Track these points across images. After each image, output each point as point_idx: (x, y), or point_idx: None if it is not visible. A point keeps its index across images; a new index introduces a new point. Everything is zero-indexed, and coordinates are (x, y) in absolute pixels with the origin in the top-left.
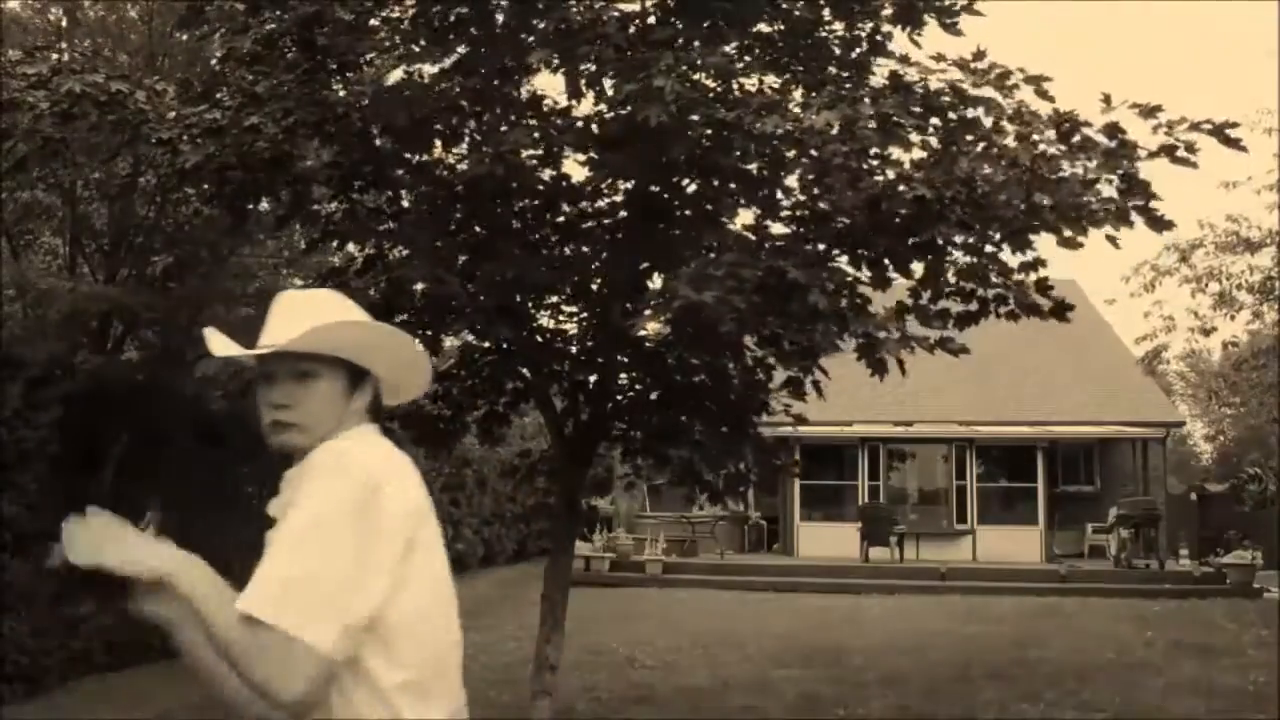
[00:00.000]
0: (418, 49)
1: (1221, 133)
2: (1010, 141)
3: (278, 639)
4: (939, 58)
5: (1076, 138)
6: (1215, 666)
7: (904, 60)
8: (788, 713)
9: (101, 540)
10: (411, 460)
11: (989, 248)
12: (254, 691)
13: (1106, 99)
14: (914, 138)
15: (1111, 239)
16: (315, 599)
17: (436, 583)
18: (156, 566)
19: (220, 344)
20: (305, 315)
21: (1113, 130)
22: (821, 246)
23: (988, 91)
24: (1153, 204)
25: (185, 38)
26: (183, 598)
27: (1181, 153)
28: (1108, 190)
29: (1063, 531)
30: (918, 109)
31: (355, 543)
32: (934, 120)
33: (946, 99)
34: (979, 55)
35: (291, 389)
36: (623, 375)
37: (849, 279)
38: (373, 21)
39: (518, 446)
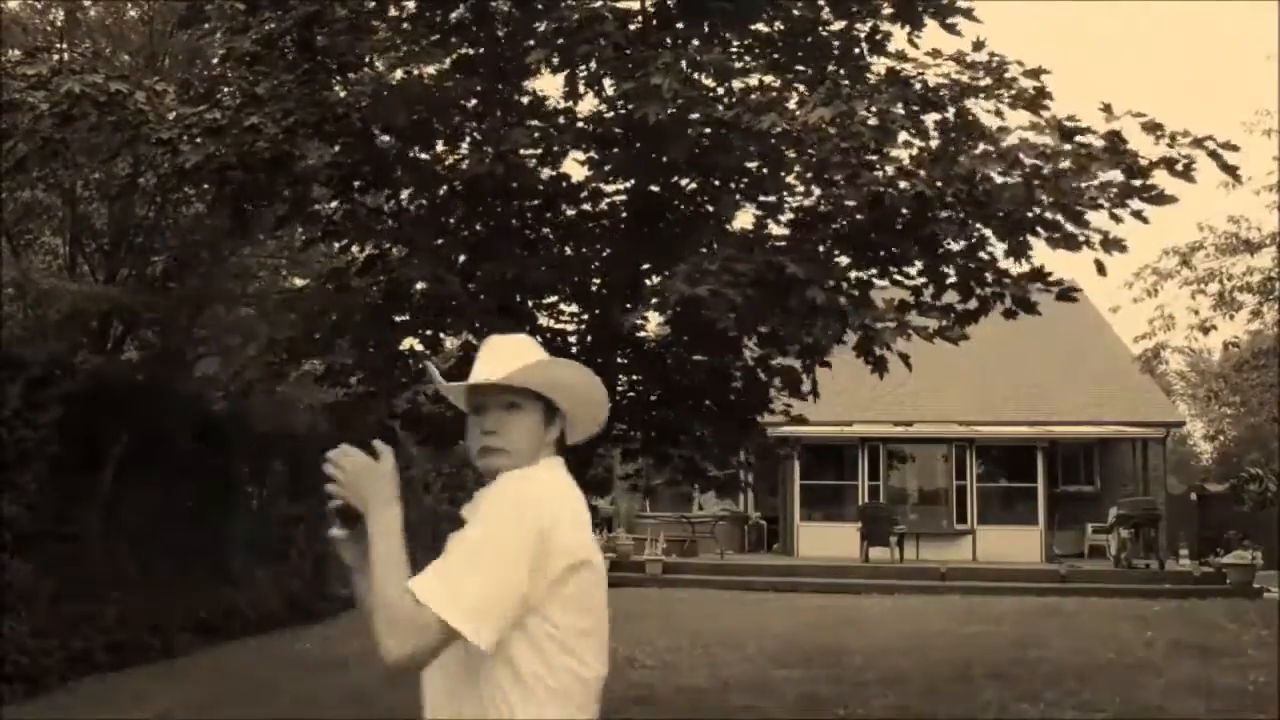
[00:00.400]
0: (418, 49)
1: (1219, 156)
2: (1012, 141)
3: (432, 622)
4: (935, 53)
5: (1079, 138)
6: (1215, 666)
7: (901, 56)
8: (788, 713)
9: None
10: (583, 498)
11: (986, 250)
12: (374, 636)
13: (1107, 108)
14: (911, 134)
15: (1120, 245)
16: (476, 601)
17: (588, 614)
18: (367, 499)
19: (441, 378)
20: (512, 356)
21: (1114, 141)
22: (821, 248)
23: (985, 83)
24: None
25: (185, 37)
26: (368, 535)
27: (1180, 168)
28: (1112, 184)
29: (1063, 531)
30: (915, 105)
31: (519, 565)
32: (932, 115)
33: (945, 93)
34: (978, 46)
35: (500, 419)
36: (623, 375)
37: (850, 276)
38: (373, 21)
39: None
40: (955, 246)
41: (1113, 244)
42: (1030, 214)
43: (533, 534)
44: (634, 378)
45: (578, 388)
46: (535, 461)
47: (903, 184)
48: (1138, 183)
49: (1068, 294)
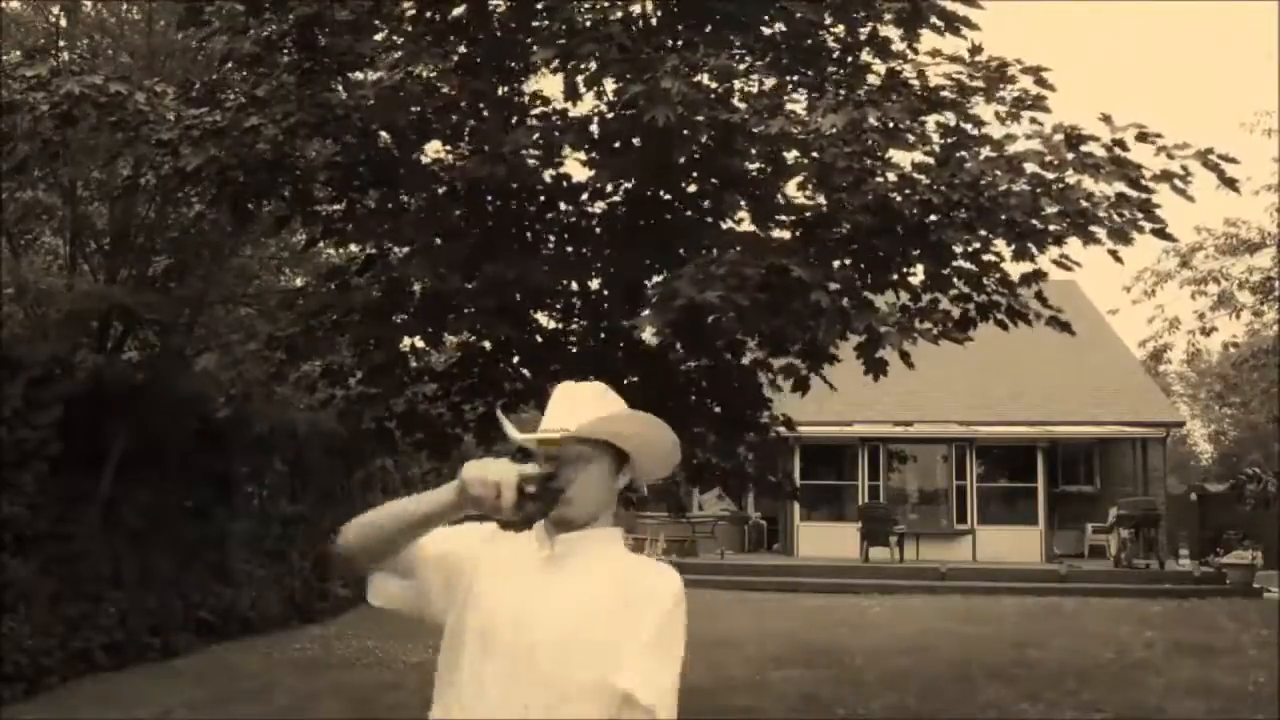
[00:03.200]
0: (418, 49)
1: (1218, 168)
2: (1018, 148)
3: None
4: (934, 53)
5: (1084, 147)
6: (1215, 666)
7: (901, 58)
8: (788, 713)
9: None
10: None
11: (989, 255)
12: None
13: (1107, 119)
14: (916, 136)
15: (1114, 254)
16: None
17: None
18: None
19: (513, 430)
20: (587, 406)
21: (1115, 154)
22: (824, 254)
23: (984, 85)
24: (1155, 212)
25: (182, 37)
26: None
27: (1179, 182)
28: (1109, 197)
29: (1063, 531)
30: (920, 109)
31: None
32: (935, 117)
33: (946, 94)
34: (976, 50)
35: (572, 468)
36: (622, 375)
37: (854, 280)
38: (373, 21)
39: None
40: (959, 249)
41: (1121, 235)
42: (1036, 224)
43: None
44: (634, 377)
45: (651, 442)
46: (606, 510)
47: (907, 190)
48: (1140, 196)
49: (1062, 327)
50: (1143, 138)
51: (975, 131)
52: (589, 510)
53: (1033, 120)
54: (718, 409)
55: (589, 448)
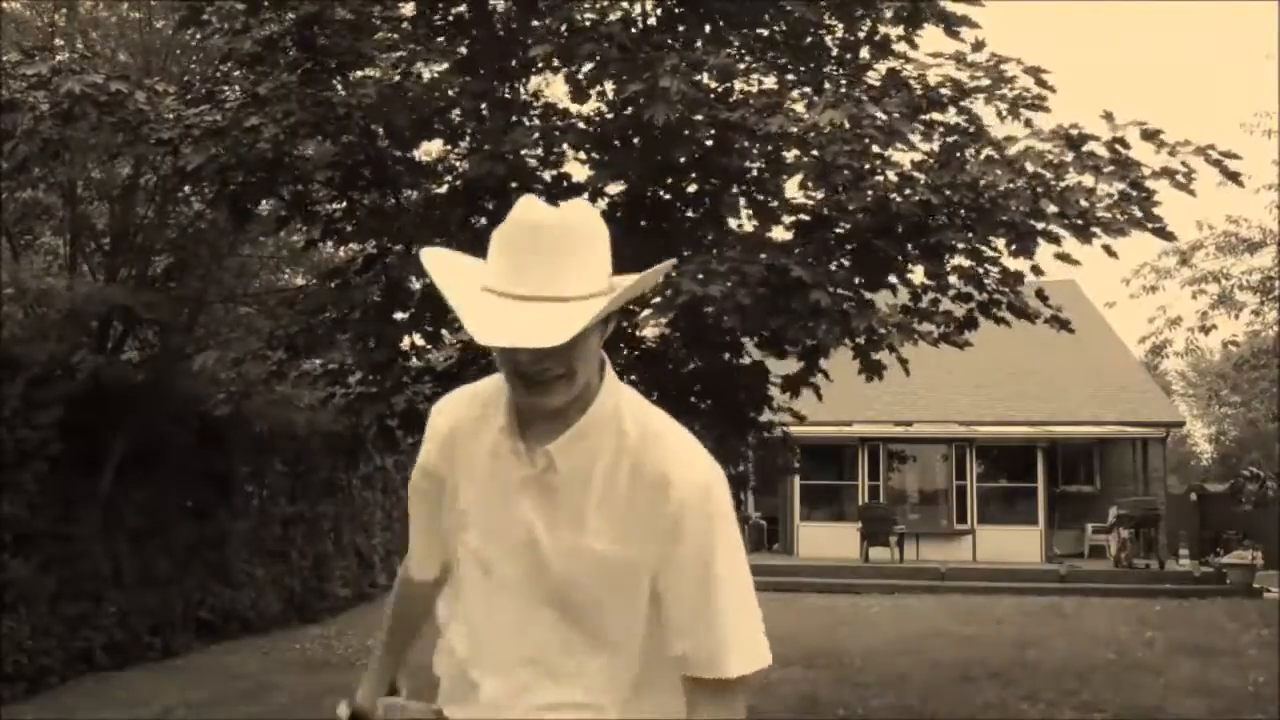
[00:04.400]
0: (418, 49)
1: (1221, 164)
2: (1018, 149)
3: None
4: (935, 54)
5: (1086, 147)
6: (1215, 666)
7: (901, 57)
8: (788, 713)
9: None
10: None
11: (989, 251)
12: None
13: (1108, 116)
14: (917, 139)
15: (1109, 249)
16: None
17: None
18: None
19: (479, 326)
20: (570, 276)
21: (1117, 152)
22: (824, 253)
23: (985, 82)
24: (1155, 211)
25: (177, 35)
26: None
27: (1180, 178)
28: (1111, 194)
29: (1063, 531)
30: (920, 107)
31: None
32: (935, 115)
33: (946, 92)
34: (978, 47)
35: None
36: (623, 375)
37: (853, 280)
38: (373, 21)
39: None
40: (958, 245)
41: (1109, 250)
42: (1036, 225)
43: None
44: (634, 378)
45: (646, 282)
46: (595, 369)
47: (907, 190)
48: (1140, 195)
49: (1061, 325)
50: (1146, 135)
51: (975, 129)
52: (580, 385)
53: (1027, 123)
54: (719, 409)
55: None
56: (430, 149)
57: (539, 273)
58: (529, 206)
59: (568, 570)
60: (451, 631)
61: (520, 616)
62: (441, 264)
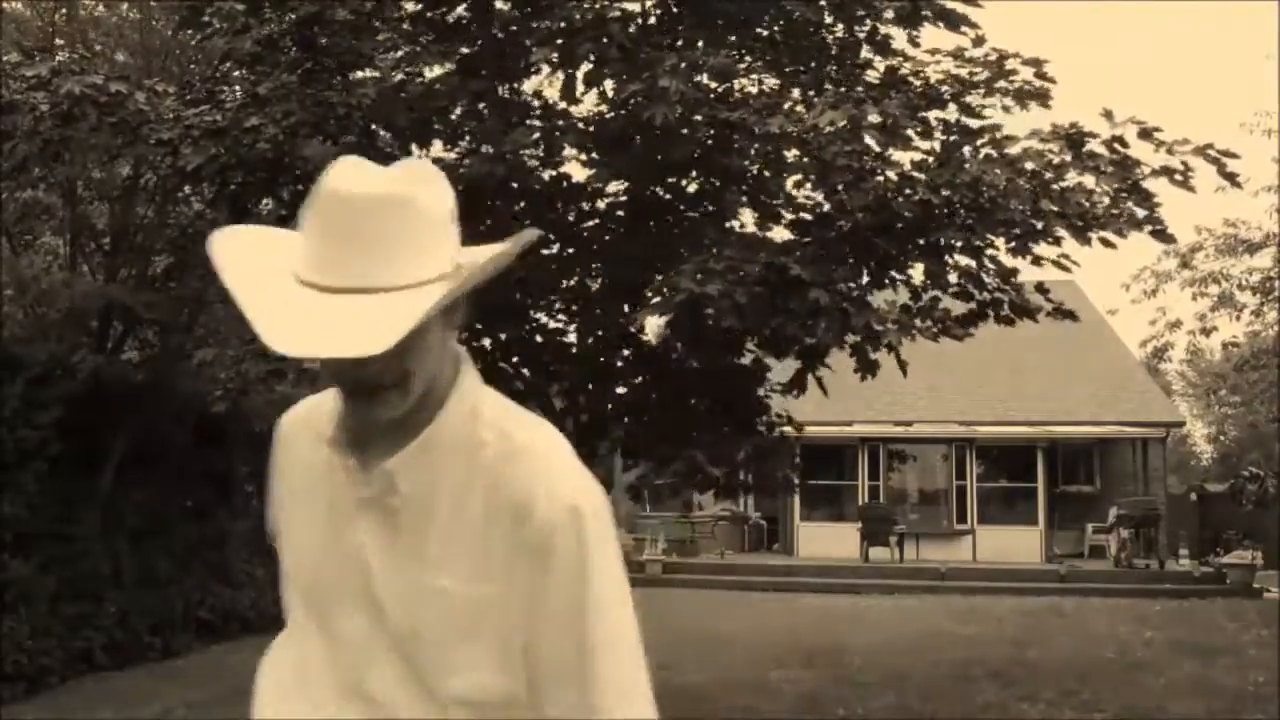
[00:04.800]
0: (418, 49)
1: (1219, 163)
2: (1018, 149)
3: None
4: (934, 51)
5: (1085, 146)
6: (1215, 666)
7: (901, 55)
8: (788, 713)
9: None
10: None
11: (990, 250)
12: None
13: (1108, 114)
14: (916, 134)
15: (1106, 241)
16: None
17: None
18: None
19: (271, 330)
20: (399, 261)
21: (1115, 151)
22: (823, 250)
23: (984, 76)
24: (1156, 213)
25: (176, 35)
26: None
27: (1179, 176)
28: (1108, 195)
29: (1063, 531)
30: (920, 104)
31: None
32: (935, 114)
33: (946, 90)
34: (978, 42)
35: (383, 365)
36: (623, 376)
37: (852, 278)
38: (374, 21)
39: None
40: (958, 244)
41: (1107, 243)
42: (1036, 225)
43: None
44: (636, 379)
45: (500, 260)
46: (445, 363)
47: (907, 189)
48: (1139, 197)
49: (1064, 315)
50: (1144, 134)
51: (975, 125)
52: (418, 390)
53: (1028, 106)
54: (720, 410)
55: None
56: (431, 149)
57: (357, 257)
58: (346, 171)
59: (409, 614)
60: (272, 682)
61: (352, 673)
62: (236, 249)
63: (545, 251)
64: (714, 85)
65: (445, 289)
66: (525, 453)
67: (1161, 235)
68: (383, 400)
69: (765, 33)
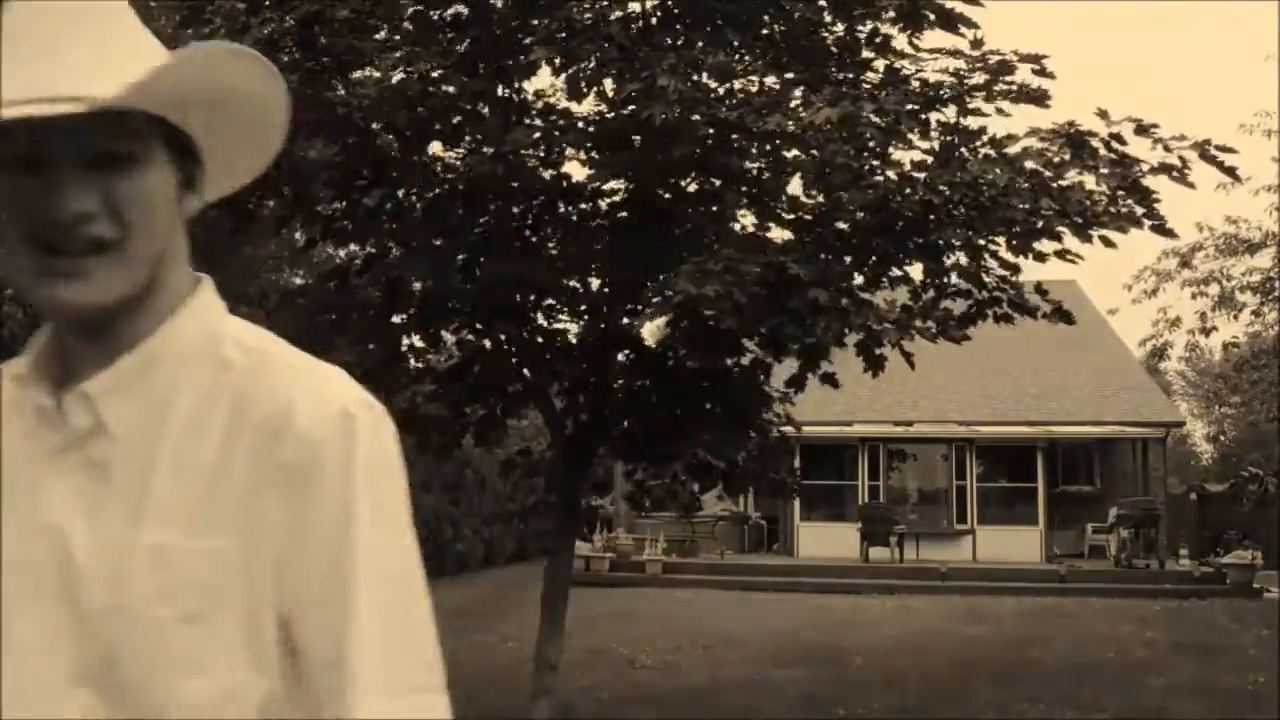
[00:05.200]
0: (419, 49)
1: (1218, 160)
2: (1017, 149)
3: None
4: (934, 51)
5: (1085, 147)
6: (1215, 667)
7: (901, 55)
8: (788, 713)
9: None
10: None
11: (990, 248)
12: None
13: (1103, 114)
14: (915, 137)
15: (1106, 240)
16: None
17: None
18: None
19: None
20: (105, 39)
21: (1113, 149)
22: (823, 254)
23: (984, 79)
24: (1156, 209)
25: (178, 35)
26: None
27: (1178, 173)
28: (1107, 194)
29: (1063, 531)
30: (918, 104)
31: None
32: (935, 113)
33: (946, 90)
34: (977, 44)
35: (96, 186)
36: (623, 376)
37: (852, 277)
38: (373, 21)
39: (518, 447)
40: (958, 243)
41: (1107, 241)
42: (1036, 224)
43: None
44: (636, 380)
45: (255, 99)
46: (175, 270)
47: (907, 189)
48: (1138, 195)
49: (1063, 316)
50: (1141, 131)
51: (975, 126)
52: (138, 276)
53: (1029, 130)
54: (720, 410)
55: (127, 140)
56: (431, 149)
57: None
58: None
59: (115, 589)
60: None
61: (41, 694)
62: None
63: (546, 251)
64: (713, 84)
65: (170, 59)
66: (281, 362)
67: (1162, 230)
68: (94, 273)
69: (765, 32)
